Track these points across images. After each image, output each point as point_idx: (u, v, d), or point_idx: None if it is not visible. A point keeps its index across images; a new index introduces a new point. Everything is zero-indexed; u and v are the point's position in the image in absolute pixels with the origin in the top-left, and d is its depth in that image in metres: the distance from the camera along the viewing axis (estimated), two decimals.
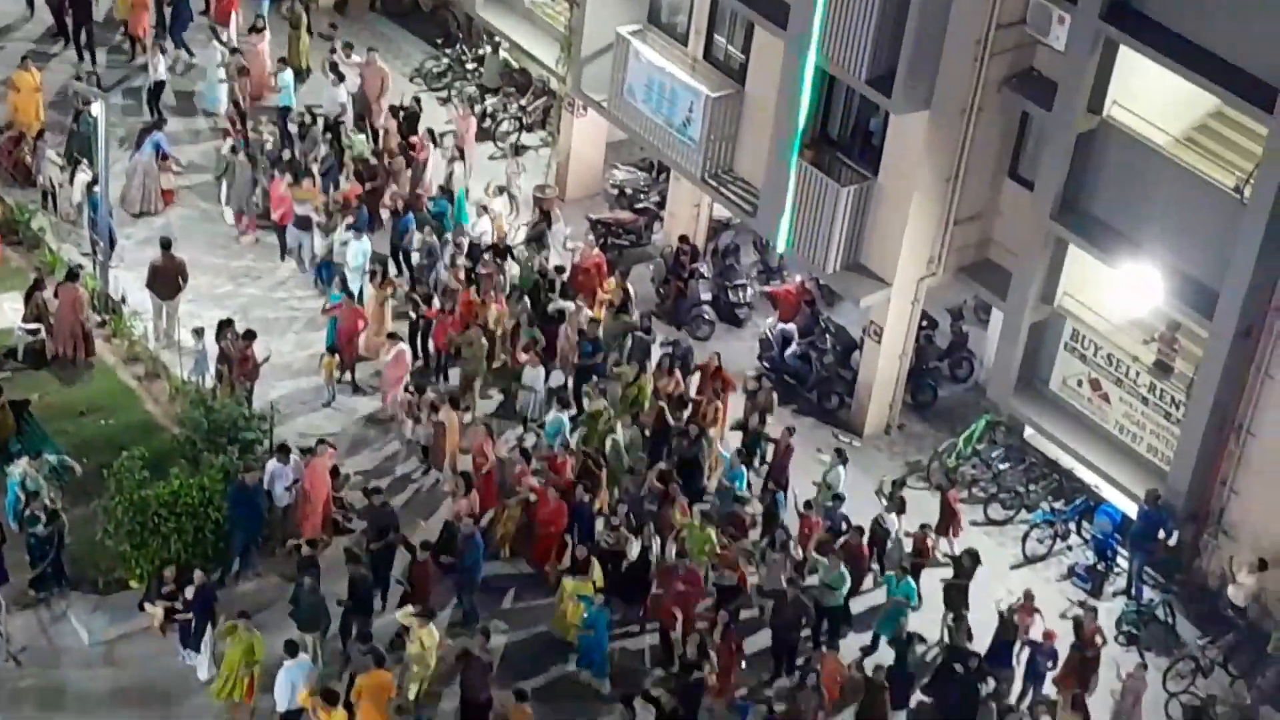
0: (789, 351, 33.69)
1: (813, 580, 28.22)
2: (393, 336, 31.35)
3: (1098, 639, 27.73)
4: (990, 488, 32.07)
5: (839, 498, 29.73)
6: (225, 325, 30.92)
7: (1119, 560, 30.79)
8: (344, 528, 28.90)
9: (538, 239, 34.45)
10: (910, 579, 28.36)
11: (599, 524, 28.99)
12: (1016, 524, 31.36)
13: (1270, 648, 28.70)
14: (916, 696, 27.59)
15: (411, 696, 25.93)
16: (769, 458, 31.02)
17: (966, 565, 28.81)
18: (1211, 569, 30.07)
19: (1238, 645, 28.95)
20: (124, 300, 32.49)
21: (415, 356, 32.08)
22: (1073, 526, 31.41)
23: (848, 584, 28.26)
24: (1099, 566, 30.73)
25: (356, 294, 32.33)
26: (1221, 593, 29.36)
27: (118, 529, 27.00)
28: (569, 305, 32.42)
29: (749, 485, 30.44)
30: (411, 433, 30.67)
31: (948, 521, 30.22)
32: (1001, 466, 32.33)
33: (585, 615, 26.93)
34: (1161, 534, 30.00)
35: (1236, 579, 28.85)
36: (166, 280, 31.98)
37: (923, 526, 29.51)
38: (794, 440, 30.69)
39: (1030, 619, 28.15)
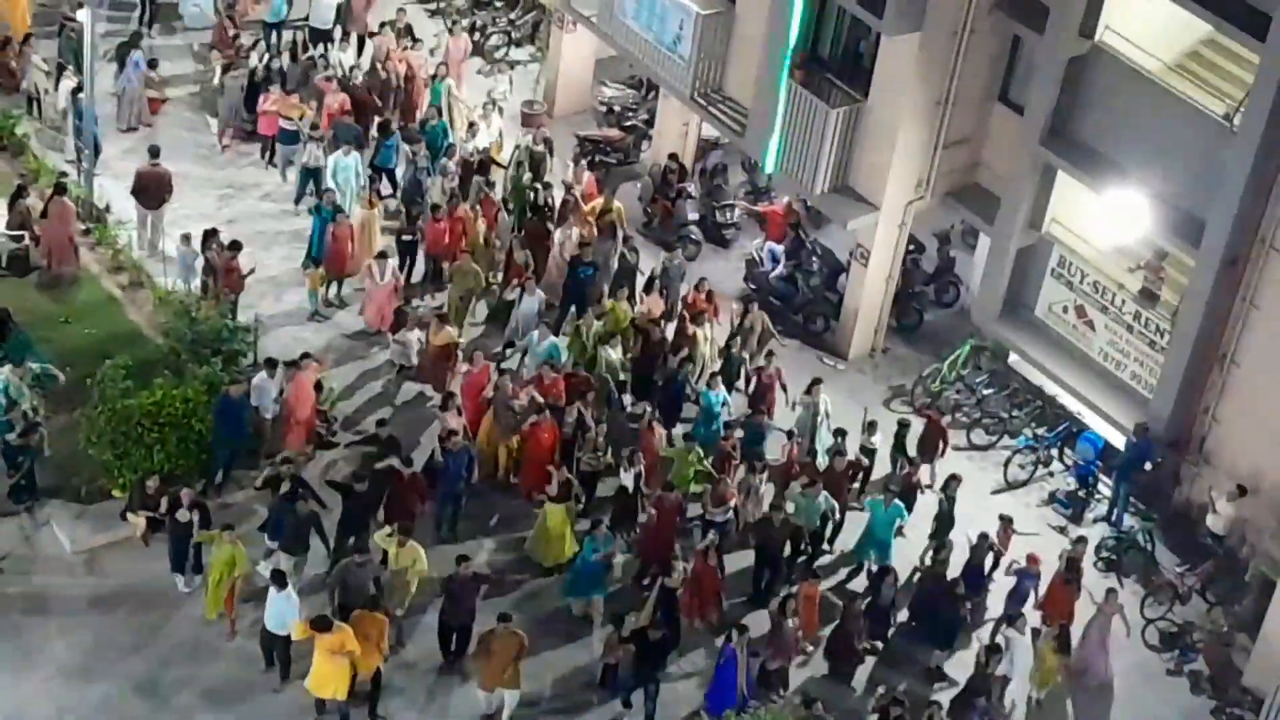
0: (774, 273, 33.63)
1: (790, 509, 28.16)
2: (381, 255, 31.17)
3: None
4: (973, 413, 32.11)
5: (841, 433, 29.38)
6: (210, 235, 30.77)
7: (1100, 487, 30.91)
8: (327, 441, 28.94)
9: (535, 167, 34.05)
10: (899, 501, 28.31)
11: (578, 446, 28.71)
12: (999, 449, 31.42)
13: (1248, 576, 28.89)
14: (897, 622, 27.71)
15: (399, 614, 25.96)
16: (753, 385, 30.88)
17: (952, 493, 28.81)
18: (1192, 497, 30.19)
19: (1216, 573, 29.10)
20: (108, 209, 32.35)
21: (402, 272, 31.95)
22: (1055, 453, 31.50)
23: (825, 509, 28.15)
24: (1080, 493, 30.83)
25: (346, 210, 32.18)
26: (1201, 521, 29.47)
27: (100, 438, 26.97)
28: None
29: (728, 408, 30.24)
30: (399, 356, 30.56)
31: (934, 444, 30.24)
32: (985, 392, 32.36)
33: (594, 545, 26.60)
34: (1147, 465, 30.12)
35: (1215, 507, 28.96)
36: (152, 189, 31.81)
37: (910, 461, 29.47)
38: (779, 365, 30.63)
39: (1009, 541, 28.26)
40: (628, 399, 30.34)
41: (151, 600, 26.26)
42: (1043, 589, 27.73)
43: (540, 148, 34.18)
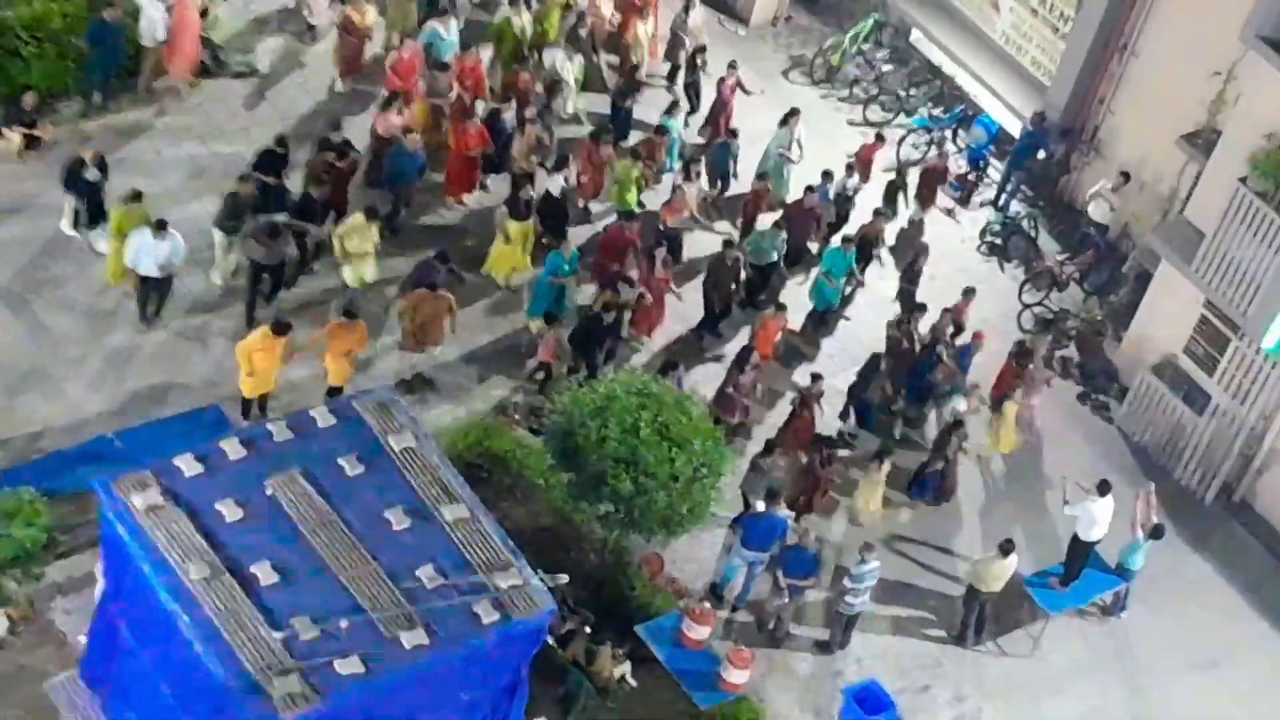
0: None
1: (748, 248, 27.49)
2: None
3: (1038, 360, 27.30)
4: (871, 89, 31.86)
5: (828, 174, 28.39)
6: None
7: (990, 171, 30.89)
8: (211, 70, 28.27)
9: None
10: (844, 252, 27.37)
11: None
12: (894, 127, 31.19)
13: (1125, 268, 29.16)
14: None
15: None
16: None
17: (916, 265, 27.98)
18: (1079, 187, 30.27)
19: (1096, 263, 29.35)
20: None
21: None
22: (949, 134, 31.38)
23: (779, 241, 27.42)
24: (970, 176, 30.81)
25: None
26: (1085, 211, 29.59)
27: None
28: None
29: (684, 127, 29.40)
30: (307, 13, 29.53)
31: (863, 169, 29.44)
32: (885, 68, 32.09)
33: (559, 259, 25.85)
34: (1041, 154, 30.06)
35: (1099, 195, 29.03)
36: None
37: (876, 213, 28.46)
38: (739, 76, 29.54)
39: (966, 312, 27.38)
40: (578, 105, 29.41)
41: (20, 214, 25.78)
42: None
43: None
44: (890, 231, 28.97)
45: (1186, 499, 26.89)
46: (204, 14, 28.01)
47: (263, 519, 18.37)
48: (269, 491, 18.55)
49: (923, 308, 27.02)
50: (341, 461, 19.00)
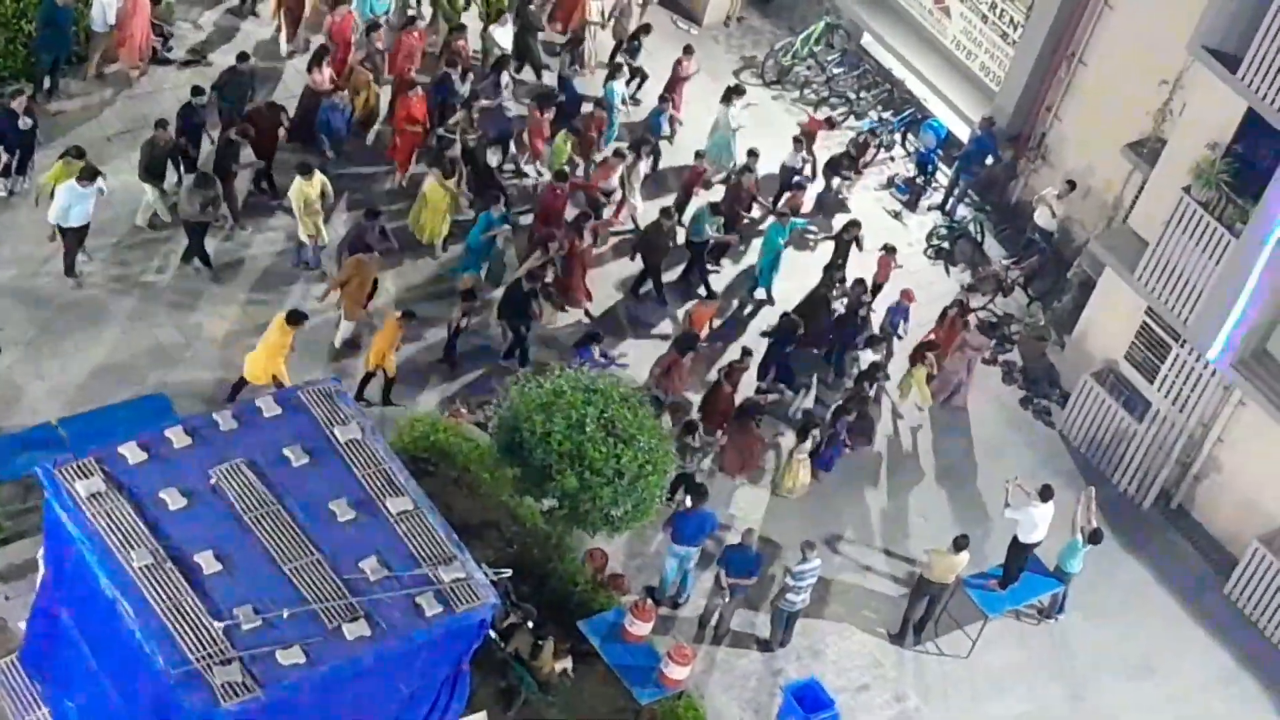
0: None
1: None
2: None
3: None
4: (822, 91, 32.01)
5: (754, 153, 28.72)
6: None
7: (937, 175, 31.08)
8: (162, 57, 28.20)
9: None
10: (781, 225, 27.76)
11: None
12: (843, 130, 31.33)
13: (1069, 274, 29.38)
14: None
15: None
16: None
17: (853, 235, 28.18)
18: (1025, 193, 30.48)
19: (1040, 269, 29.56)
20: None
21: None
22: (898, 138, 31.56)
23: (708, 219, 27.61)
24: (918, 180, 31.00)
25: None
26: (1031, 217, 29.79)
27: None
28: None
29: (623, 100, 29.70)
30: None
31: (808, 145, 29.83)
32: (835, 71, 32.24)
33: (489, 218, 26.23)
34: (989, 160, 30.26)
35: (1045, 201, 29.24)
36: None
37: (796, 184, 28.94)
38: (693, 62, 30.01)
39: (889, 271, 28.00)
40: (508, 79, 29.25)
41: None
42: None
43: None
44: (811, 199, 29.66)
45: (1125, 504, 27.12)
46: (156, 1, 27.87)
47: (206, 508, 18.30)
48: (213, 480, 18.50)
49: (860, 281, 27.41)
50: (287, 452, 18.94)
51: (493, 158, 28.01)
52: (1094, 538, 24.64)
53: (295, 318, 23.63)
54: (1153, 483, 27.01)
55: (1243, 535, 26.22)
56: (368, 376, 24.56)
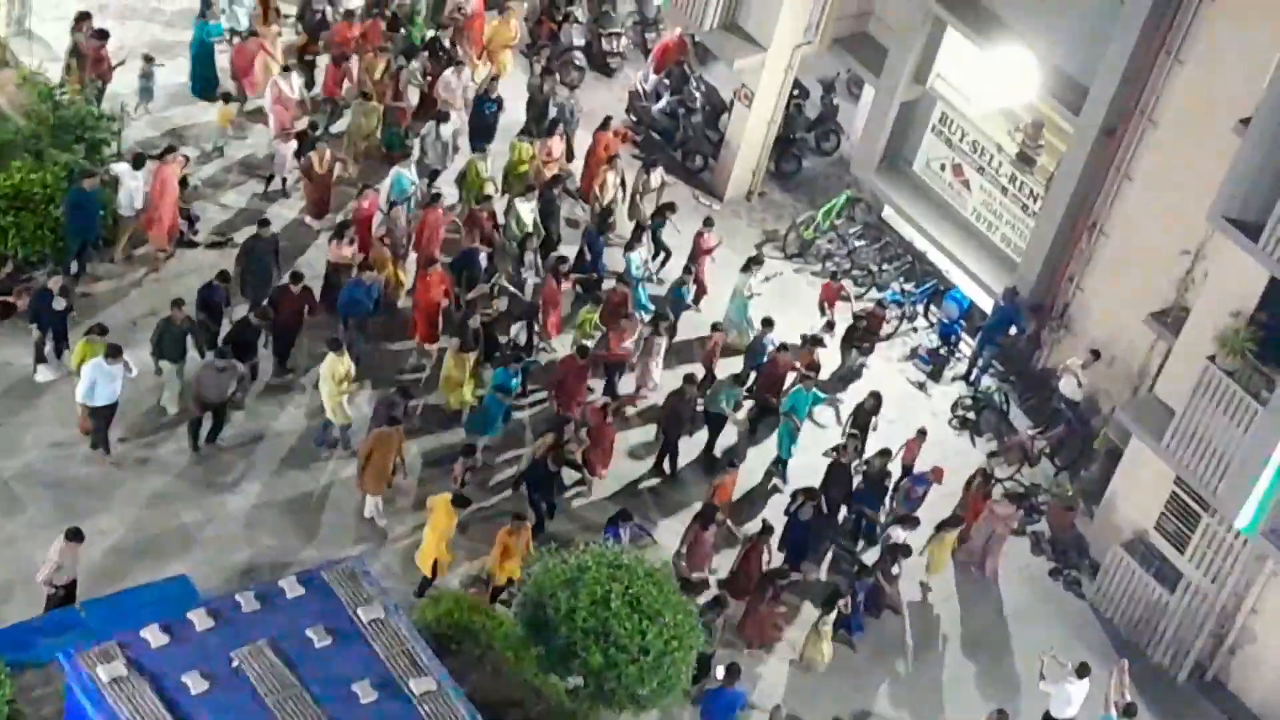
0: (657, 106, 33.31)
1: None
2: (286, 69, 30.43)
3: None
4: (844, 264, 32.15)
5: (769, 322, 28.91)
6: (82, 18, 29.85)
7: (961, 346, 31.10)
8: (188, 239, 28.46)
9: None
10: (804, 390, 27.85)
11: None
12: (866, 301, 31.44)
13: (1096, 444, 29.25)
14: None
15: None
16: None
17: (870, 404, 28.29)
18: (1050, 362, 30.46)
19: (1066, 439, 29.45)
20: None
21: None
22: (920, 309, 31.64)
23: (727, 393, 27.72)
24: (941, 351, 31.01)
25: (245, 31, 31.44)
26: (1056, 386, 29.74)
27: None
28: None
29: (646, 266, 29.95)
30: (278, 167, 29.98)
31: (828, 310, 30.20)
32: (857, 244, 32.38)
33: (507, 375, 26.42)
34: (1013, 330, 30.30)
35: (1070, 370, 29.20)
36: None
37: (808, 341, 28.99)
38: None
39: (916, 452, 27.88)
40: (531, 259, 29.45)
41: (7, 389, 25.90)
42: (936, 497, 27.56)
43: None
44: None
45: (1159, 678, 26.74)
46: (184, 184, 28.19)
47: (228, 691, 18.18)
48: (235, 663, 18.37)
49: (885, 452, 27.37)
50: (310, 633, 18.85)
51: (520, 334, 28.12)
52: (1128, 711, 24.26)
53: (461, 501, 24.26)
54: (1187, 655, 26.65)
55: None
56: (496, 591, 24.52)
